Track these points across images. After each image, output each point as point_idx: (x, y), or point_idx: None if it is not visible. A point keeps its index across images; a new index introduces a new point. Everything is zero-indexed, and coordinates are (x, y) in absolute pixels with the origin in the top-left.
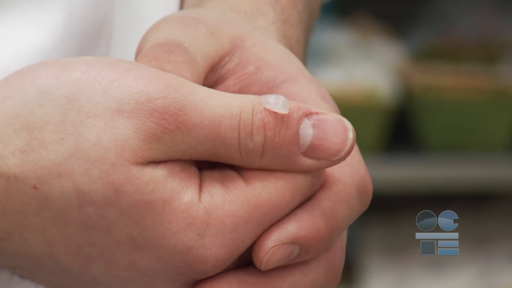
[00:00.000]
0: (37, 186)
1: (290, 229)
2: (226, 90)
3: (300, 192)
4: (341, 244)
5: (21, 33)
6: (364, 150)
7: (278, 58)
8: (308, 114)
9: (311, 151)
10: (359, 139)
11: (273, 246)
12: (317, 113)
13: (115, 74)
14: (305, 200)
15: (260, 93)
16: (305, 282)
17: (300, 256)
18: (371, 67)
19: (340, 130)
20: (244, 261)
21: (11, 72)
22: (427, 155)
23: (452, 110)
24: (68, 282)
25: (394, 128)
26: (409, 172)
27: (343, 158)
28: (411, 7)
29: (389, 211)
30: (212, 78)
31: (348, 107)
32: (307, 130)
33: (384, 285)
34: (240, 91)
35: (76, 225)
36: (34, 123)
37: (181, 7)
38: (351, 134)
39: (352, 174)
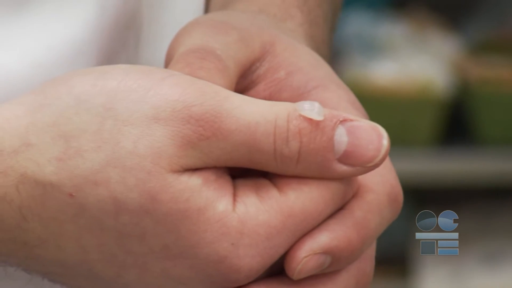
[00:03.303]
0: (73, 194)
1: (323, 239)
2: (257, 95)
3: (333, 201)
4: (371, 252)
5: (54, 27)
6: (419, 144)
7: (308, 64)
8: (343, 121)
9: (346, 157)
10: (414, 133)
11: (305, 256)
12: (351, 120)
13: (151, 82)
14: (337, 209)
15: (291, 98)
16: None
17: (331, 266)
18: (427, 60)
19: (374, 137)
20: (276, 270)
21: (43, 65)
22: (483, 148)
23: (509, 103)
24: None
25: (450, 122)
26: (464, 166)
27: (377, 165)
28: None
29: (444, 205)
30: (242, 84)
31: (403, 100)
32: (342, 137)
33: (438, 279)
34: (271, 96)
35: (111, 233)
36: (71, 131)
37: (207, 3)
38: (385, 141)
39: (383, 183)
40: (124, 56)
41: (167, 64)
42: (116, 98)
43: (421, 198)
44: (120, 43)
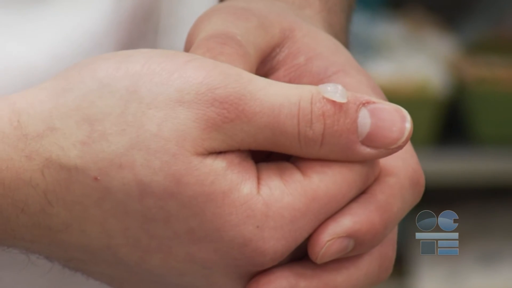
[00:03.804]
0: (98, 178)
1: (346, 222)
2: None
3: (356, 184)
4: (392, 236)
5: (72, 19)
6: (416, 143)
7: (328, 49)
8: (366, 103)
9: (369, 139)
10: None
11: (328, 239)
12: (374, 102)
13: (175, 65)
14: (360, 193)
15: (311, 84)
16: (358, 275)
17: (354, 250)
18: (423, 60)
19: (398, 119)
20: (299, 254)
21: (62, 57)
22: (480, 148)
23: (505, 102)
24: (123, 273)
25: (446, 121)
26: (461, 165)
27: (401, 147)
28: None
29: (441, 204)
30: (262, 70)
31: (400, 100)
32: (365, 119)
33: (435, 278)
34: (291, 82)
35: (136, 217)
36: (95, 115)
37: None
38: (408, 123)
39: (405, 167)
40: (142, 47)
41: (187, 50)
42: (139, 81)
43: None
44: (138, 35)
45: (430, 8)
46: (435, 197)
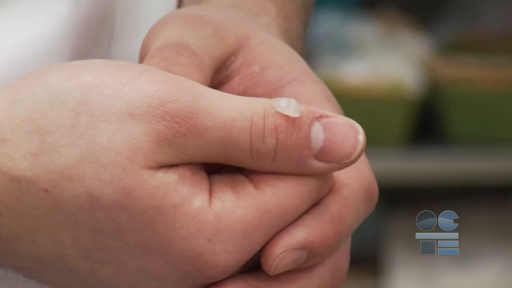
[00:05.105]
0: (48, 190)
1: (299, 234)
2: (231, 90)
3: (309, 197)
4: (346, 247)
5: (29, 23)
6: (390, 143)
7: (283, 58)
8: (319, 117)
9: (322, 154)
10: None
11: (282, 251)
12: (327, 116)
13: (127, 77)
14: (313, 205)
15: (265, 93)
16: (311, 285)
17: (308, 261)
18: (397, 60)
19: (350, 133)
20: (252, 265)
21: (18, 60)
22: (453, 147)
23: (479, 102)
24: (75, 283)
25: (420, 121)
26: (435, 165)
27: (353, 161)
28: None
29: (415, 204)
30: (217, 78)
31: (374, 100)
32: (318, 134)
33: (409, 278)
34: (245, 91)
35: (86, 229)
36: (46, 126)
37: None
38: (361, 137)
39: (359, 178)
40: (97, 51)
41: (142, 58)
42: (91, 93)
43: (391, 197)
44: (93, 39)
45: (404, 8)
46: (409, 197)
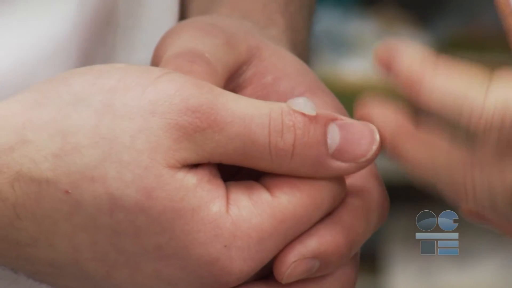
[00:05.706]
0: (69, 191)
1: (312, 244)
2: None
3: (323, 206)
4: (355, 257)
5: (35, 24)
6: None
7: (295, 70)
8: (334, 119)
9: (339, 153)
10: None
11: (294, 260)
12: (342, 119)
13: (149, 80)
14: (326, 214)
15: None
16: None
17: (319, 270)
18: None
19: (366, 132)
20: (264, 273)
21: (25, 61)
22: None
23: None
24: (88, 287)
25: None
26: None
27: (370, 160)
28: None
29: (413, 202)
30: (228, 87)
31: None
32: (334, 133)
33: (407, 276)
34: None
35: (105, 231)
36: (69, 127)
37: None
38: (377, 136)
39: (371, 189)
40: (102, 50)
41: (155, 65)
42: (114, 95)
43: (391, 196)
44: (99, 38)
45: (402, 5)
46: (407, 195)
